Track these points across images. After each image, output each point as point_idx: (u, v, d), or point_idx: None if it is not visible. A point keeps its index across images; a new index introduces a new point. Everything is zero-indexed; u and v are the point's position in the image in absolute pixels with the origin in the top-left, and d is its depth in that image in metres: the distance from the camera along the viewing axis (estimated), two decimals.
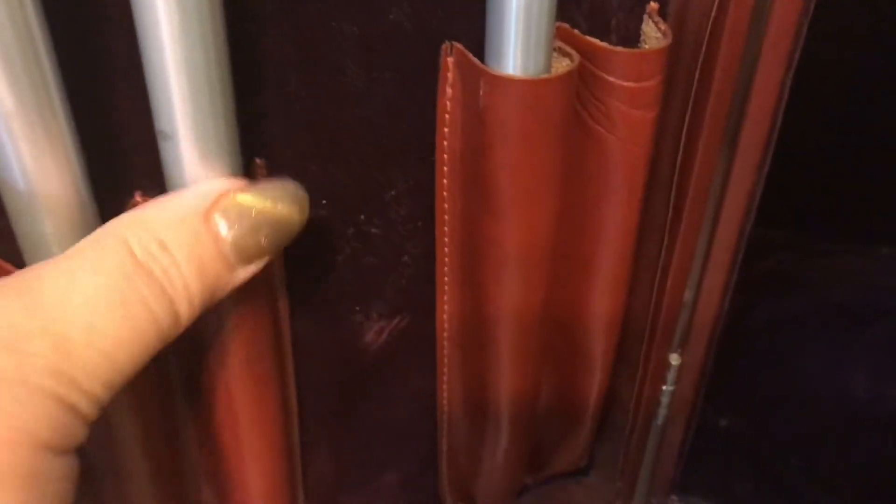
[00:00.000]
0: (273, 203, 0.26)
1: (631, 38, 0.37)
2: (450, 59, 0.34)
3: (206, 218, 0.24)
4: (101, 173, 0.27)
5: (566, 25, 0.35)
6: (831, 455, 0.60)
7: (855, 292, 0.74)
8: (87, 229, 0.26)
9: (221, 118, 0.26)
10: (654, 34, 0.36)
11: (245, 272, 0.26)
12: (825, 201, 0.79)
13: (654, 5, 0.37)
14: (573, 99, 0.34)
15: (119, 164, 0.28)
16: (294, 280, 0.36)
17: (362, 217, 0.37)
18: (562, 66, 0.34)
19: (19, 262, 0.27)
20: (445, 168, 0.37)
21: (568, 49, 0.34)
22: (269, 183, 0.26)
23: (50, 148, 0.24)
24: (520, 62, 0.32)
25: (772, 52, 0.36)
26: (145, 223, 0.23)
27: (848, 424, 0.62)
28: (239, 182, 0.26)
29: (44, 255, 0.26)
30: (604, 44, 0.34)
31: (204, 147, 0.26)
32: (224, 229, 0.25)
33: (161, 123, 0.26)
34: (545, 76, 0.32)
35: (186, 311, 0.24)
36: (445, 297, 0.41)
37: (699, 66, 0.37)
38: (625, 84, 0.35)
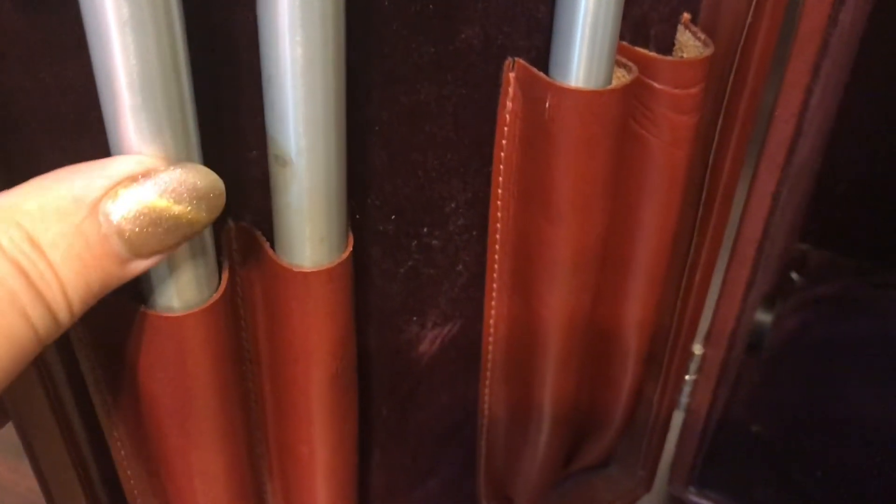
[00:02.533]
0: (175, 202, 0.22)
1: (667, 46, 0.40)
2: (511, 75, 0.35)
3: (92, 210, 0.21)
4: None
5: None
6: (860, 478, 0.61)
7: None
8: (206, 259, 0.27)
9: (334, 145, 0.27)
10: (691, 42, 0.39)
11: (142, 265, 0.23)
12: None
13: (687, 16, 0.39)
14: (630, 107, 0.36)
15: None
16: (358, 293, 0.36)
17: (425, 230, 0.38)
18: (619, 75, 0.35)
19: None
20: (501, 178, 0.38)
21: (624, 60, 0.36)
22: (173, 173, 0.22)
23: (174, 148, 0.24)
24: (585, 75, 0.34)
25: (798, 60, 0.39)
26: (15, 215, 0.20)
27: (884, 453, 0.63)
28: (140, 166, 0.22)
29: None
30: (654, 54, 0.36)
31: (317, 173, 0.27)
32: (115, 225, 0.21)
33: (278, 148, 0.27)
34: (609, 87, 0.34)
35: (66, 316, 0.21)
36: (493, 303, 0.43)
37: (733, 73, 0.39)
38: (672, 91, 0.37)
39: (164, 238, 0.22)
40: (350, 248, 0.31)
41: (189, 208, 0.22)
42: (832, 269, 0.79)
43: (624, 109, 0.35)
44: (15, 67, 0.24)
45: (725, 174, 0.42)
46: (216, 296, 0.28)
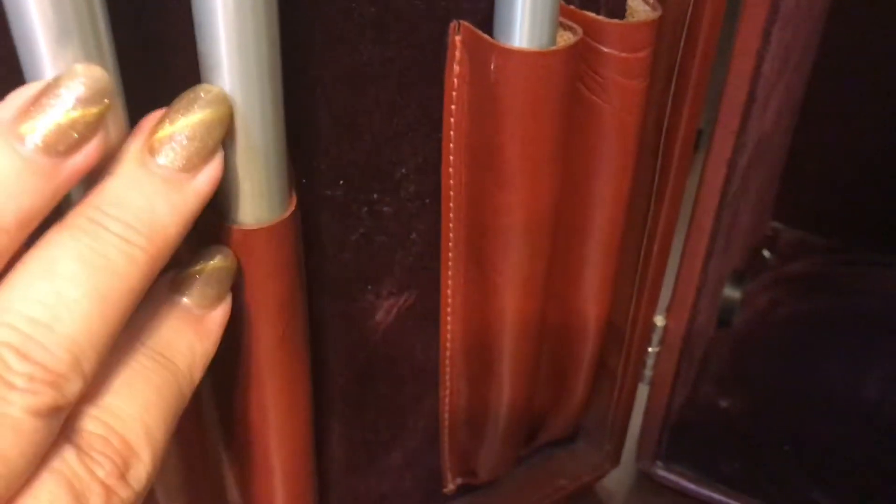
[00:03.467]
0: (198, 109, 0.25)
1: (618, 12, 0.40)
2: (457, 38, 0.35)
3: (142, 163, 0.24)
4: None
5: (562, 2, 0.37)
6: (826, 451, 0.62)
7: (886, 303, 0.76)
8: None
9: (269, 98, 0.27)
10: (640, 8, 0.39)
11: (203, 176, 0.25)
12: (876, 211, 0.80)
13: None
14: (576, 70, 0.36)
15: None
16: (309, 261, 0.36)
17: (375, 196, 0.38)
18: (565, 38, 0.35)
19: None
20: (451, 144, 0.38)
21: (569, 23, 0.36)
22: (179, 98, 0.26)
23: None
24: (528, 36, 0.34)
25: (748, 25, 0.39)
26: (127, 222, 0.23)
27: (850, 425, 0.64)
28: (152, 116, 0.25)
29: None
30: (601, 17, 0.36)
31: (252, 127, 0.27)
32: (166, 160, 0.24)
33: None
34: (553, 48, 0.34)
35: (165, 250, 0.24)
36: (450, 273, 0.43)
37: (683, 38, 0.39)
38: (619, 55, 0.37)
39: (210, 143, 0.25)
40: (293, 208, 0.31)
41: (214, 105, 0.25)
42: (803, 247, 0.80)
43: (569, 71, 0.35)
44: None
45: (680, 141, 0.42)
46: None
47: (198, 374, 0.27)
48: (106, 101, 0.23)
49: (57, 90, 0.22)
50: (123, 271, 0.22)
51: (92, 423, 0.22)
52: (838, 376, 0.68)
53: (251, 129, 0.27)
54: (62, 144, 0.22)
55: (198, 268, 0.28)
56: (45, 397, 0.20)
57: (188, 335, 0.27)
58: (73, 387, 0.21)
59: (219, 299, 0.28)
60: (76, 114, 0.22)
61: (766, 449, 0.62)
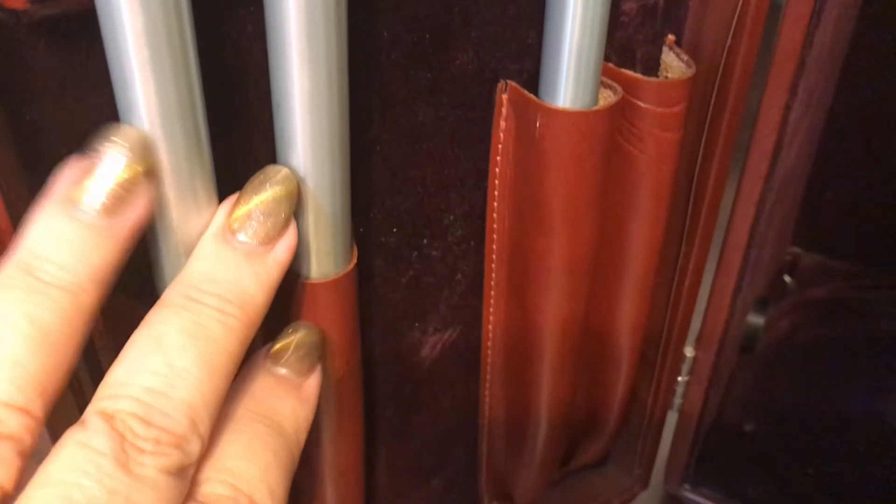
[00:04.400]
0: (269, 188, 0.28)
1: (653, 66, 0.42)
2: (504, 96, 0.38)
3: (226, 241, 0.27)
4: None
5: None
6: (851, 473, 0.63)
7: None
8: None
9: (339, 168, 0.30)
10: (675, 63, 0.41)
11: (281, 247, 0.28)
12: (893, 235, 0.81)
13: (671, 38, 0.42)
14: (617, 125, 0.39)
15: None
16: (362, 302, 0.39)
17: (425, 241, 0.40)
18: (605, 96, 0.38)
19: None
20: (496, 192, 0.41)
21: (609, 82, 0.38)
22: (251, 180, 0.28)
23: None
24: (572, 97, 0.36)
25: (776, 80, 0.41)
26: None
27: (873, 447, 0.65)
28: (229, 199, 0.28)
29: None
30: (639, 75, 0.39)
31: (323, 194, 0.30)
32: (246, 236, 0.27)
33: (288, 164, 0.29)
34: (596, 108, 0.36)
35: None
36: (491, 310, 0.45)
37: (715, 91, 0.42)
38: (656, 109, 0.39)
39: (283, 216, 0.28)
40: (354, 261, 0.33)
41: (282, 183, 0.28)
42: (823, 272, 0.81)
43: (610, 128, 0.38)
44: (47, 101, 0.26)
45: (711, 186, 0.45)
46: None
47: (303, 436, 0.29)
48: (148, 159, 0.25)
49: (103, 157, 0.24)
50: (223, 339, 0.25)
51: (220, 486, 0.25)
52: (860, 399, 0.70)
53: (320, 197, 0.30)
54: (115, 204, 0.24)
55: (289, 341, 0.30)
56: (173, 457, 0.22)
57: (291, 402, 0.29)
58: (194, 446, 0.23)
59: (312, 368, 0.31)
60: (123, 175, 0.24)
61: (790, 471, 0.64)
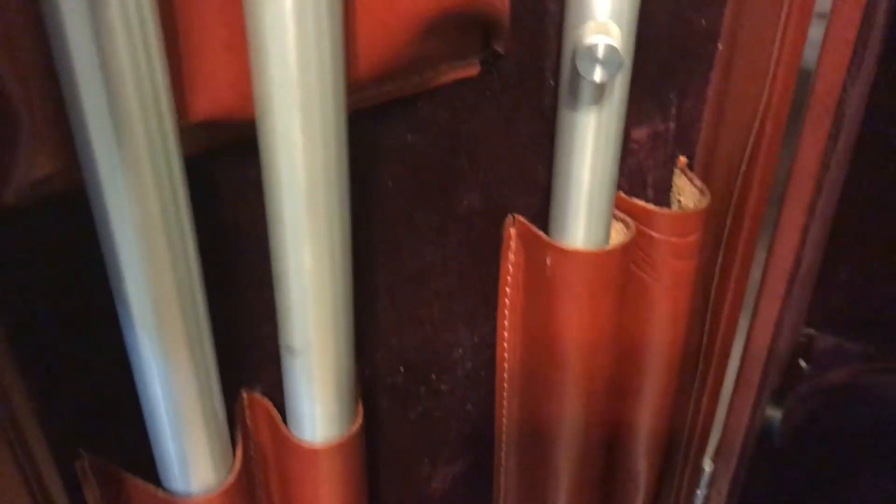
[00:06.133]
0: None
1: (665, 190, 0.41)
2: (512, 230, 0.36)
3: None
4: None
5: None
6: None
7: None
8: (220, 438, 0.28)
9: (343, 338, 0.28)
10: (688, 187, 0.40)
11: None
12: None
13: (683, 160, 0.40)
14: (630, 259, 0.37)
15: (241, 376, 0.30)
16: (371, 441, 0.37)
17: (433, 377, 0.39)
18: (618, 229, 0.36)
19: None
20: (506, 322, 0.39)
21: (621, 215, 0.37)
22: None
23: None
24: (584, 237, 0.35)
25: (794, 198, 0.40)
26: None
27: None
28: None
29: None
30: (651, 206, 0.37)
31: (325, 362, 0.28)
32: None
33: (290, 339, 0.28)
34: (609, 248, 0.35)
35: None
36: (504, 438, 0.43)
37: (730, 215, 0.40)
38: (671, 239, 0.38)
39: None
40: (359, 421, 0.32)
41: None
42: (839, 354, 0.79)
43: (623, 264, 0.36)
44: None
45: (727, 306, 0.43)
46: (231, 479, 0.29)
47: None
48: None
49: None
50: None
51: None
52: (878, 488, 0.67)
53: (324, 364, 0.29)
54: None
55: None
56: None
57: None
58: None
59: None
60: None
61: None
